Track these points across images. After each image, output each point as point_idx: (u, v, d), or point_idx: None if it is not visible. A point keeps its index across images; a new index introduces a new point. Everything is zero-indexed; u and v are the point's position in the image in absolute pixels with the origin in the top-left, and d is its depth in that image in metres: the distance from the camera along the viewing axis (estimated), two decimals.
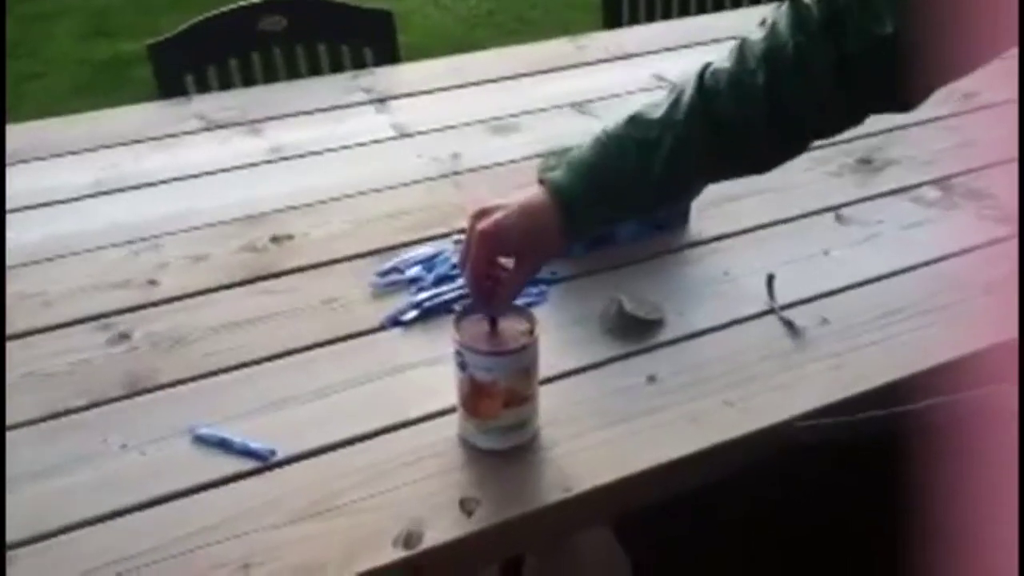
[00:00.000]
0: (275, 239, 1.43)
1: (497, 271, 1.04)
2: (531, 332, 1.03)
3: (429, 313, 1.28)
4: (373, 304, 1.30)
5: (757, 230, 1.43)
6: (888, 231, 1.42)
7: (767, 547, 1.10)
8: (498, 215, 1.00)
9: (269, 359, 1.20)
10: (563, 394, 1.13)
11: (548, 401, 1.09)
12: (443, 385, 1.08)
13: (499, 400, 1.03)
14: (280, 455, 1.04)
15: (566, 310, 1.29)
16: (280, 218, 1.48)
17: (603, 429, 1.09)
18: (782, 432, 1.06)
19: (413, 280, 1.35)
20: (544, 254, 1.06)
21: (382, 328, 1.26)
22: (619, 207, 1.08)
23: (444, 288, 1.31)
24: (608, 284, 1.32)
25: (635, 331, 1.24)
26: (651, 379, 1.17)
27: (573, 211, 1.03)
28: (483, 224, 1.00)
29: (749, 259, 1.36)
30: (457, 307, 1.24)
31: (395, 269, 1.37)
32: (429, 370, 1.17)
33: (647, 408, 1.12)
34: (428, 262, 1.38)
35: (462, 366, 1.04)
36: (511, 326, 1.04)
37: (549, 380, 1.13)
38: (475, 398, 1.04)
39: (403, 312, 1.28)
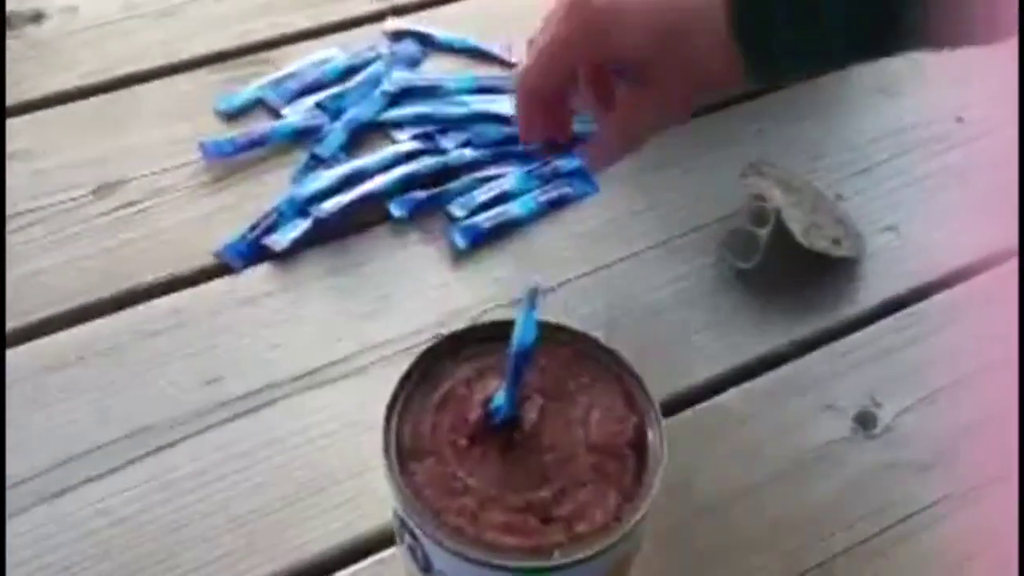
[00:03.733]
0: None
1: (597, 99, 0.48)
2: (628, 505, 0.33)
3: (342, 230, 0.57)
4: (201, 198, 0.58)
5: None
6: None
7: None
8: None
9: None
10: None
11: None
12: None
13: None
14: None
15: (638, 219, 0.57)
16: None
17: None
18: None
19: (301, 134, 0.61)
20: (693, 80, 0.47)
21: (217, 271, 0.54)
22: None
23: (378, 171, 0.59)
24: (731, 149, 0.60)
25: (804, 276, 0.54)
26: (863, 421, 0.49)
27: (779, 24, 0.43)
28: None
29: None
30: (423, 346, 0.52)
31: (259, 102, 0.63)
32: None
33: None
34: (334, 84, 0.64)
35: (424, 565, 0.35)
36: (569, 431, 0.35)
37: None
38: None
39: (268, 228, 0.56)
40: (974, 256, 0.58)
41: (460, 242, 0.56)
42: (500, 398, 0.35)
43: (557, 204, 0.59)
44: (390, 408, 0.35)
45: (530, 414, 0.35)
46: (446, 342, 0.38)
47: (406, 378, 0.36)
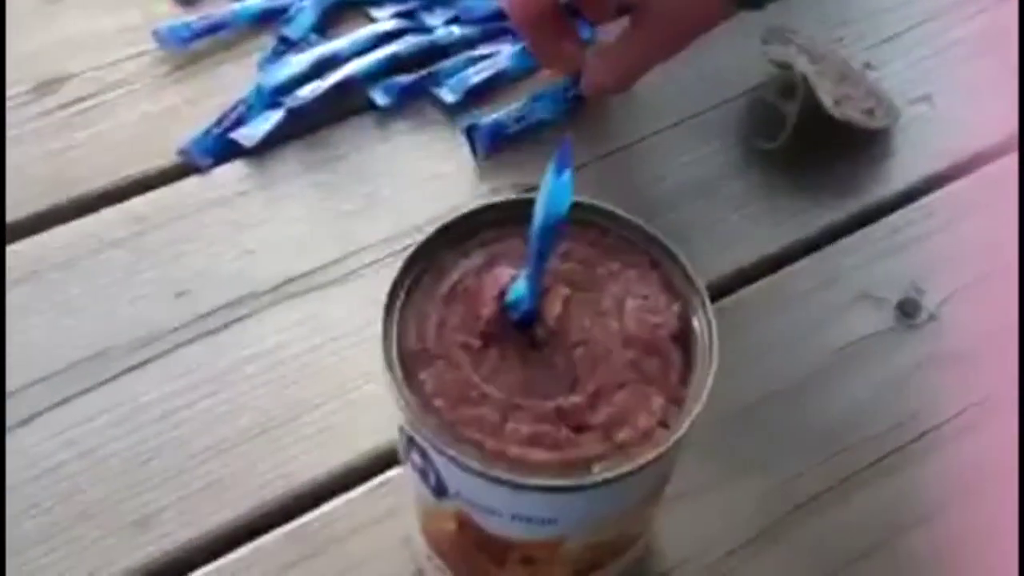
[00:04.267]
0: None
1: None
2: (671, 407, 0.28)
3: (319, 121, 0.52)
4: (158, 91, 0.51)
5: None
6: None
7: None
8: None
9: None
10: None
11: None
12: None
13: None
14: None
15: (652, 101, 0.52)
16: None
17: None
18: None
19: (267, 15, 0.54)
20: (693, 25, 0.46)
21: (182, 171, 0.48)
22: None
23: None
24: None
25: (837, 152, 0.49)
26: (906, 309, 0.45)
27: None
28: None
29: None
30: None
31: None
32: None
33: None
34: None
35: (436, 487, 0.30)
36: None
37: None
38: (476, 556, 0.31)
39: (236, 121, 0.50)
40: (1012, 130, 0.53)
41: (449, 97, 0.51)
42: (519, 289, 0.29)
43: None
44: (388, 305, 0.30)
45: (553, 306, 0.30)
46: (454, 224, 0.32)
47: (406, 269, 0.31)
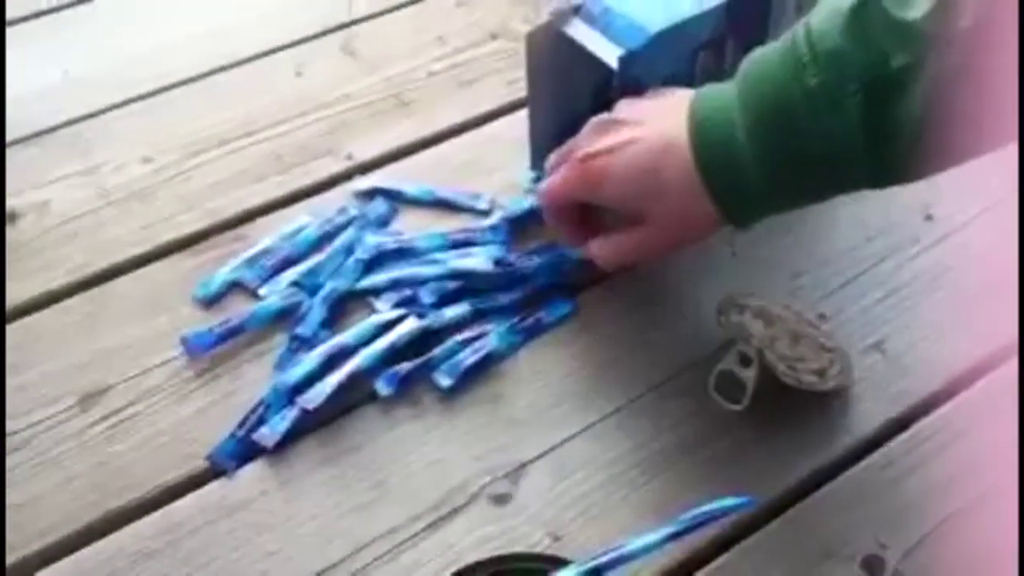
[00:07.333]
0: None
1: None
2: None
3: (330, 414, 0.58)
4: (187, 396, 0.57)
5: None
6: None
7: None
8: (612, 152, 0.56)
9: None
10: None
11: None
12: None
13: None
14: None
15: (608, 340, 0.58)
16: None
17: None
18: None
19: (280, 315, 0.61)
20: (675, 225, 0.57)
21: (210, 475, 0.54)
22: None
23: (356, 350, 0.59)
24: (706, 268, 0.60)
25: (796, 413, 0.54)
26: (871, 568, 0.49)
27: (746, 183, 0.53)
28: (591, 154, 0.57)
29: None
30: None
31: (235, 284, 0.63)
32: None
33: None
34: (308, 255, 0.64)
35: None
36: None
37: None
38: None
39: (257, 422, 0.56)
40: (962, 366, 0.58)
41: (445, 381, 0.57)
42: None
43: (534, 332, 0.60)
44: None
45: None
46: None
47: None
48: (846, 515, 0.52)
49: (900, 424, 0.56)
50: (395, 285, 0.62)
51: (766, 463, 0.54)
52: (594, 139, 0.57)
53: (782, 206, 0.54)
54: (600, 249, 0.59)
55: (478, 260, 0.63)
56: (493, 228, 0.66)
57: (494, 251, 0.64)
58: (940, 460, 0.54)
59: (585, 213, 0.60)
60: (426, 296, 0.62)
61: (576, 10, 0.61)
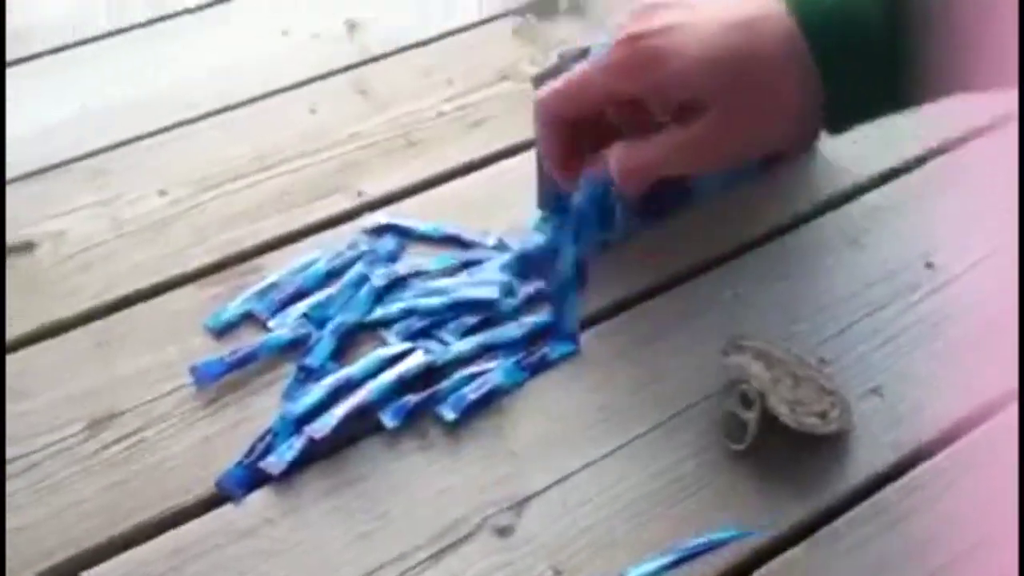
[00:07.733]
0: None
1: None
2: None
3: (336, 445, 0.58)
4: (196, 424, 0.58)
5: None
6: None
7: None
8: (667, 32, 0.49)
9: None
10: None
11: None
12: None
13: None
14: None
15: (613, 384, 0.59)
16: None
17: None
18: None
19: (290, 346, 0.62)
20: (753, 134, 0.51)
21: (217, 501, 0.55)
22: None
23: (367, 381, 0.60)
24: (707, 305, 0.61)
25: (797, 455, 0.55)
26: None
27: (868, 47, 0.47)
28: (639, 34, 0.50)
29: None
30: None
31: (246, 315, 0.64)
32: None
33: None
34: (318, 289, 0.65)
35: None
36: None
37: None
38: None
39: (264, 450, 0.57)
40: (958, 415, 0.59)
41: (449, 415, 0.58)
42: None
43: (538, 368, 0.61)
44: None
45: None
46: None
47: None
48: (840, 561, 0.53)
49: (896, 471, 0.57)
50: (405, 315, 0.64)
51: (764, 505, 0.55)
52: (639, 22, 0.50)
53: (899, 88, 0.47)
54: (630, 156, 0.51)
55: (486, 290, 0.64)
56: (501, 267, 0.67)
57: (502, 280, 0.65)
58: (933, 510, 0.55)
59: (580, 134, 0.53)
60: (442, 334, 0.63)
61: (584, 53, 0.63)
